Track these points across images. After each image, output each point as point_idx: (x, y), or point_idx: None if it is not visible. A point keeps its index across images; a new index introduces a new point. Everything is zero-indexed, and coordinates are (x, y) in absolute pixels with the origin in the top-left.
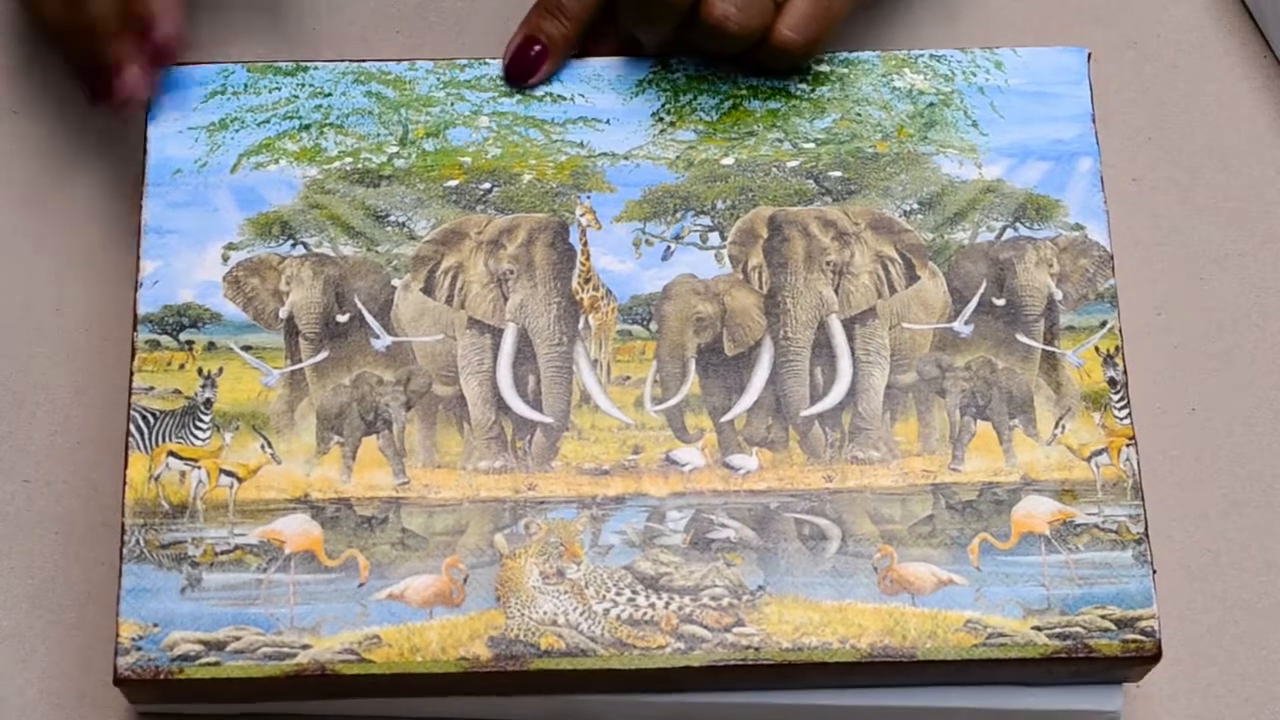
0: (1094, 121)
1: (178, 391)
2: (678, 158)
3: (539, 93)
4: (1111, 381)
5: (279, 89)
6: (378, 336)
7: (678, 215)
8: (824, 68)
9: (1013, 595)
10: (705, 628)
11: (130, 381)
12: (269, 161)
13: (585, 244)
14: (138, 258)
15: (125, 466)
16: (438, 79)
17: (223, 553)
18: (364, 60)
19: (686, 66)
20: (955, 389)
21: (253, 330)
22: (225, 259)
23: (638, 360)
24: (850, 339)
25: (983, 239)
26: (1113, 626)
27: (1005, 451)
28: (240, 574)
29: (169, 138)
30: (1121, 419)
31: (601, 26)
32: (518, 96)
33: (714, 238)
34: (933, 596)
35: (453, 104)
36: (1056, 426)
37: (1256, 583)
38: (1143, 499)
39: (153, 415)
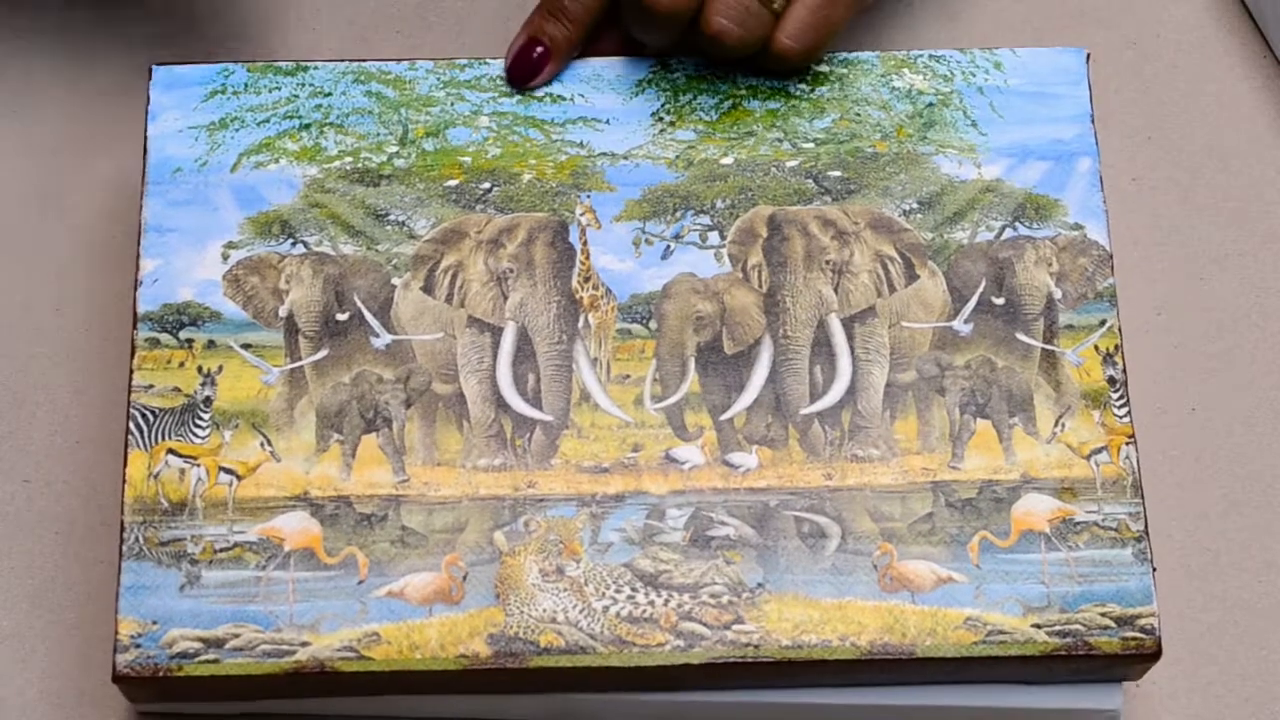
0: (1093, 121)
1: (177, 389)
2: (677, 157)
3: (539, 93)
4: (1111, 380)
5: (279, 89)
6: (377, 335)
7: (677, 214)
8: (823, 68)
9: (1012, 593)
10: (705, 625)
11: (130, 379)
12: (269, 161)
13: (585, 243)
14: (138, 256)
15: (125, 464)
16: (438, 79)
17: (222, 550)
18: (364, 60)
19: (686, 66)
20: (955, 387)
21: (252, 328)
22: (225, 257)
23: (637, 359)
24: (850, 338)
25: (982, 238)
26: (1112, 624)
27: (1005, 450)
28: (239, 571)
29: (169, 137)
30: (1121, 417)
31: (603, 27)
32: (518, 96)
33: (713, 237)
34: (932, 594)
35: (453, 104)
36: (1056, 425)
37: (1256, 582)
38: (1142, 496)
39: (152, 413)
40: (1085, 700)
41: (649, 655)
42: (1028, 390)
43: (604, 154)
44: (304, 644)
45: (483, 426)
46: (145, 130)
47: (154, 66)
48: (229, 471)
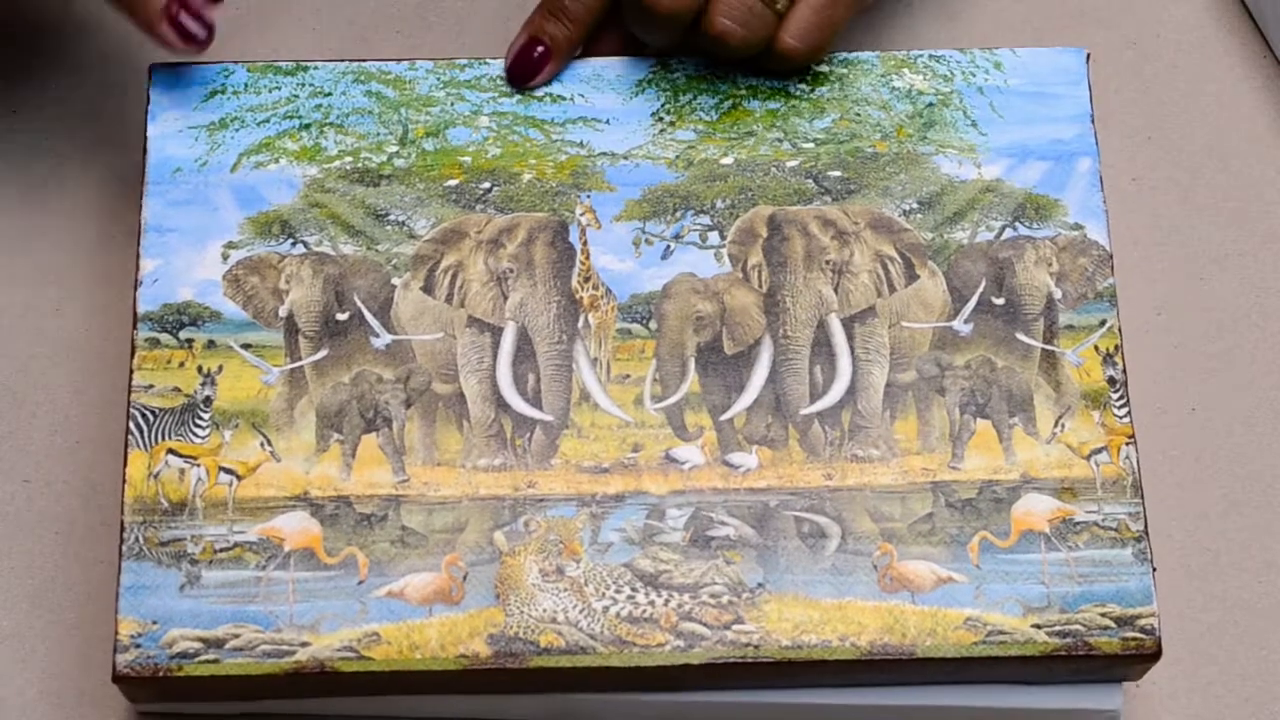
0: (1093, 121)
1: (177, 389)
2: (677, 157)
3: (539, 93)
4: (1111, 380)
5: (279, 89)
6: (377, 335)
7: (677, 214)
8: (823, 68)
9: (1012, 593)
10: (705, 625)
11: (130, 379)
12: (269, 161)
13: (585, 243)
14: (138, 256)
15: (125, 464)
16: (438, 79)
17: (222, 550)
18: (364, 60)
19: (686, 66)
20: (955, 387)
21: (252, 328)
22: (225, 257)
23: (637, 359)
24: (850, 338)
25: (982, 238)
26: (1112, 624)
27: (1005, 450)
28: (239, 571)
29: (169, 137)
30: (1121, 417)
31: (604, 27)
32: (518, 96)
33: (713, 237)
34: (932, 594)
35: (453, 104)
36: (1056, 425)
37: (1256, 583)
38: (1142, 496)
39: (152, 413)
40: (1085, 700)
41: (649, 655)
42: (1028, 390)
43: (604, 154)
44: (304, 644)
45: (483, 426)
46: (145, 130)
47: (154, 66)
48: (229, 471)
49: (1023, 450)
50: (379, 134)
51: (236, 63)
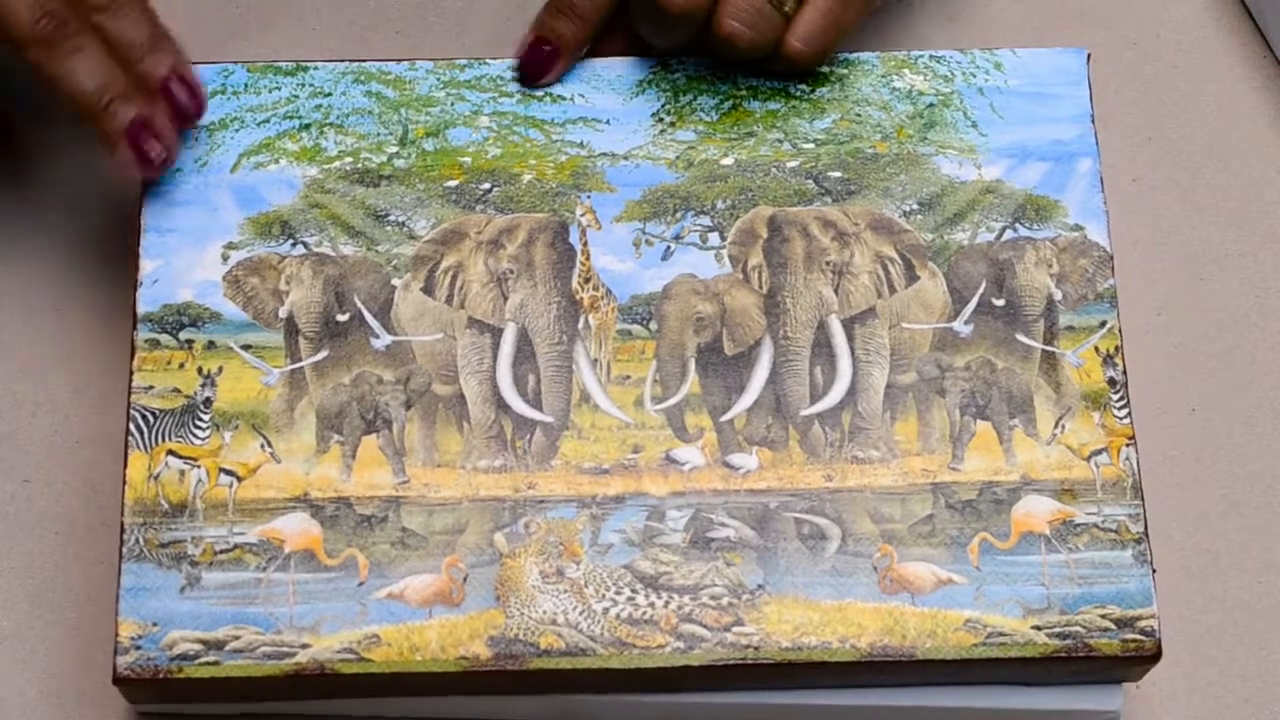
0: (1093, 122)
1: (177, 390)
2: (677, 158)
3: (539, 93)
4: (1111, 381)
5: (279, 89)
6: (377, 336)
7: (678, 215)
8: (824, 69)
9: (1012, 595)
10: (705, 627)
11: (130, 380)
12: (269, 161)
13: (585, 244)
14: (137, 257)
15: (125, 465)
16: (438, 79)
17: (222, 552)
18: (364, 60)
19: (686, 67)
20: (955, 389)
21: (252, 329)
22: (225, 258)
23: (637, 360)
24: (850, 339)
25: (982, 239)
26: (1112, 626)
27: (1005, 451)
28: (239, 573)
29: None
30: (1121, 419)
31: (610, 28)
32: (518, 96)
33: (714, 238)
34: (932, 596)
35: (453, 104)
36: (1056, 426)
37: (1256, 583)
38: (1142, 498)
39: (152, 414)
40: (1085, 702)
41: (649, 657)
42: (1028, 391)
43: (604, 154)
44: (304, 646)
45: (483, 428)
46: None
47: None
48: (229, 473)
49: (1023, 452)
50: (379, 134)
51: (236, 63)
